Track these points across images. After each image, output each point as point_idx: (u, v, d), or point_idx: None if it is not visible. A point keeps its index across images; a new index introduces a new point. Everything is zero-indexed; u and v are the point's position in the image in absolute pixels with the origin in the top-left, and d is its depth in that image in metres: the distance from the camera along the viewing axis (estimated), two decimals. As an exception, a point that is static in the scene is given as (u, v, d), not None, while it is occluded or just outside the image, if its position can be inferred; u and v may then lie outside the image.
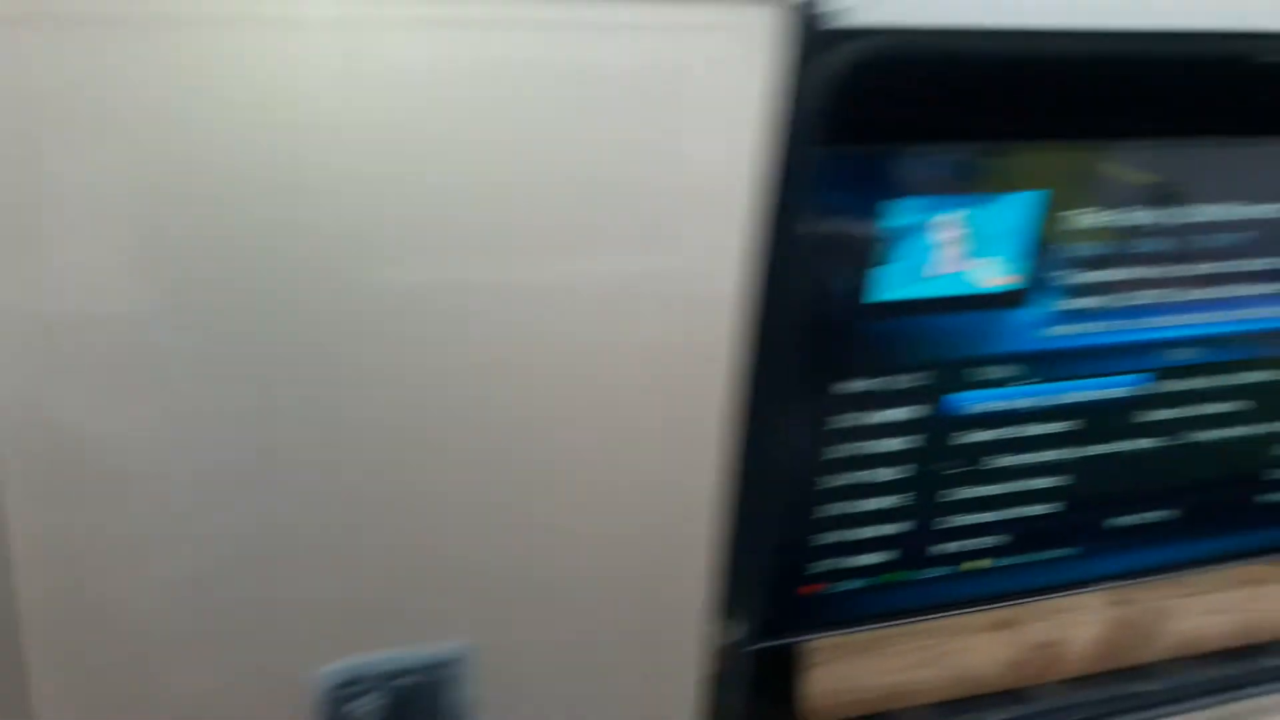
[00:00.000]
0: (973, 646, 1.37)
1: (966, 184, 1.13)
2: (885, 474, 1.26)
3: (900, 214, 1.12)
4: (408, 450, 0.86)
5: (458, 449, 0.87)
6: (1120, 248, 1.24)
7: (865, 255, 1.12)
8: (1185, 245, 1.27)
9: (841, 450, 1.23)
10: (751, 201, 0.81)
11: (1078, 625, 1.42)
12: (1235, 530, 1.51)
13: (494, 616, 0.94)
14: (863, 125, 1.06)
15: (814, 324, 1.15)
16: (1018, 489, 1.34)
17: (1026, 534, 1.38)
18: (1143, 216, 1.23)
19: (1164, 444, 1.39)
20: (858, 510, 1.27)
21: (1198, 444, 1.41)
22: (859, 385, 1.20)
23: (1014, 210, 1.17)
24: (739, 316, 0.85)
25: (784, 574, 1.28)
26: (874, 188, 1.10)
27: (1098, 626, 1.43)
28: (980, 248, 1.17)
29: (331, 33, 0.72)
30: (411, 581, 0.90)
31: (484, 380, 0.84)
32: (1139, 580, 1.46)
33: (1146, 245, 1.25)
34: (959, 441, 1.28)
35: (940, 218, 1.14)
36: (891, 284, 1.15)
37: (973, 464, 1.30)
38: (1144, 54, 0.92)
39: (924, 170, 1.12)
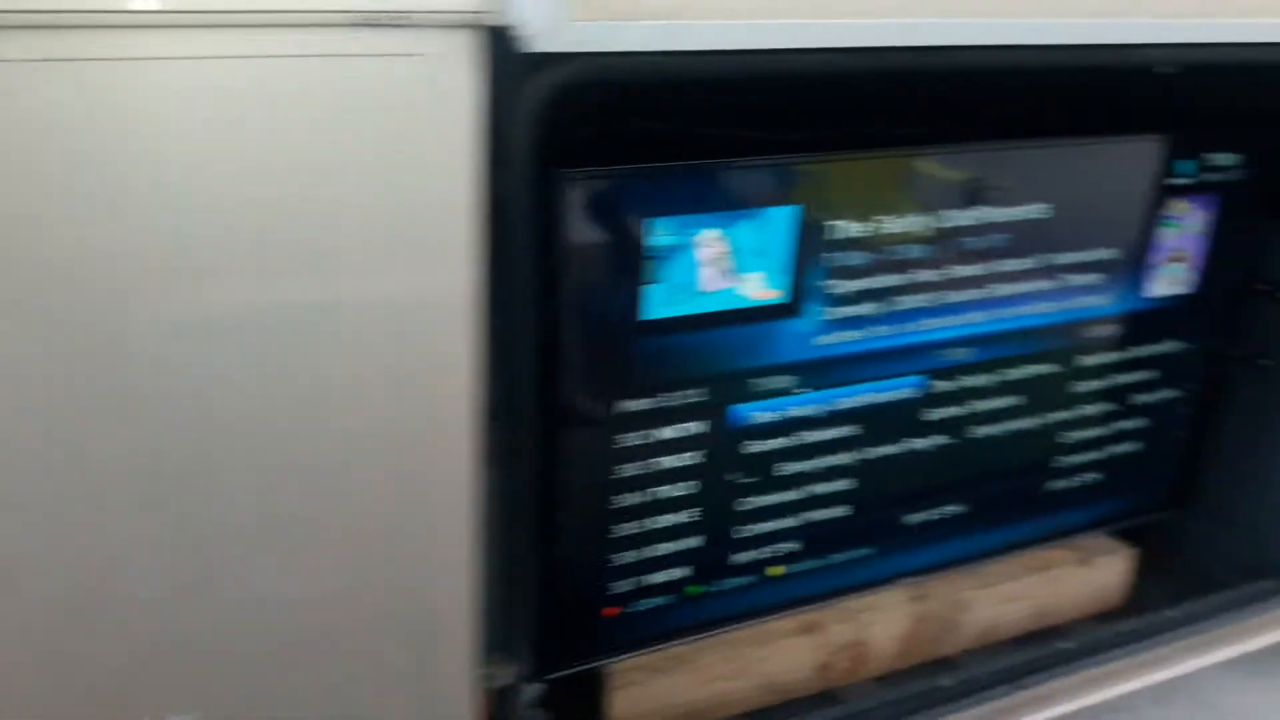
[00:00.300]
0: (780, 653, 1.39)
1: (722, 201, 1.17)
2: (676, 489, 1.27)
3: (661, 233, 1.14)
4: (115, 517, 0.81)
5: (165, 516, 0.83)
6: (883, 255, 1.29)
7: (632, 275, 1.14)
8: (947, 249, 1.34)
9: (630, 469, 1.23)
10: (474, 225, 0.81)
11: (880, 623, 1.46)
12: (1023, 519, 1.59)
13: (230, 689, 0.88)
14: (596, 146, 1.08)
15: (586, 344, 1.16)
16: (810, 494, 1.38)
17: (824, 537, 1.42)
18: (902, 224, 1.29)
19: (947, 442, 1.45)
20: (652, 528, 1.28)
21: (979, 439, 1.48)
22: (641, 403, 1.21)
23: (772, 225, 1.20)
24: (476, 343, 0.84)
25: (582, 598, 1.28)
26: (629, 208, 1.12)
27: (900, 623, 1.48)
28: (745, 262, 1.20)
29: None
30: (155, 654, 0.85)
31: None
32: (936, 574, 1.52)
33: (908, 251, 1.31)
34: (747, 452, 1.31)
35: (702, 235, 1.17)
36: (663, 302, 1.17)
37: (763, 473, 1.33)
38: (866, 69, 0.96)
39: (676, 189, 1.14)
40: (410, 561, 0.87)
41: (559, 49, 0.77)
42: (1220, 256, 1.56)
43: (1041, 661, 1.41)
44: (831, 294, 1.28)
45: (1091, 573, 1.62)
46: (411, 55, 0.73)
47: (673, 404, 1.23)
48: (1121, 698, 1.58)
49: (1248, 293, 1.66)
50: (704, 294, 1.19)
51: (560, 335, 1.13)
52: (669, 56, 0.82)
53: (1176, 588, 1.66)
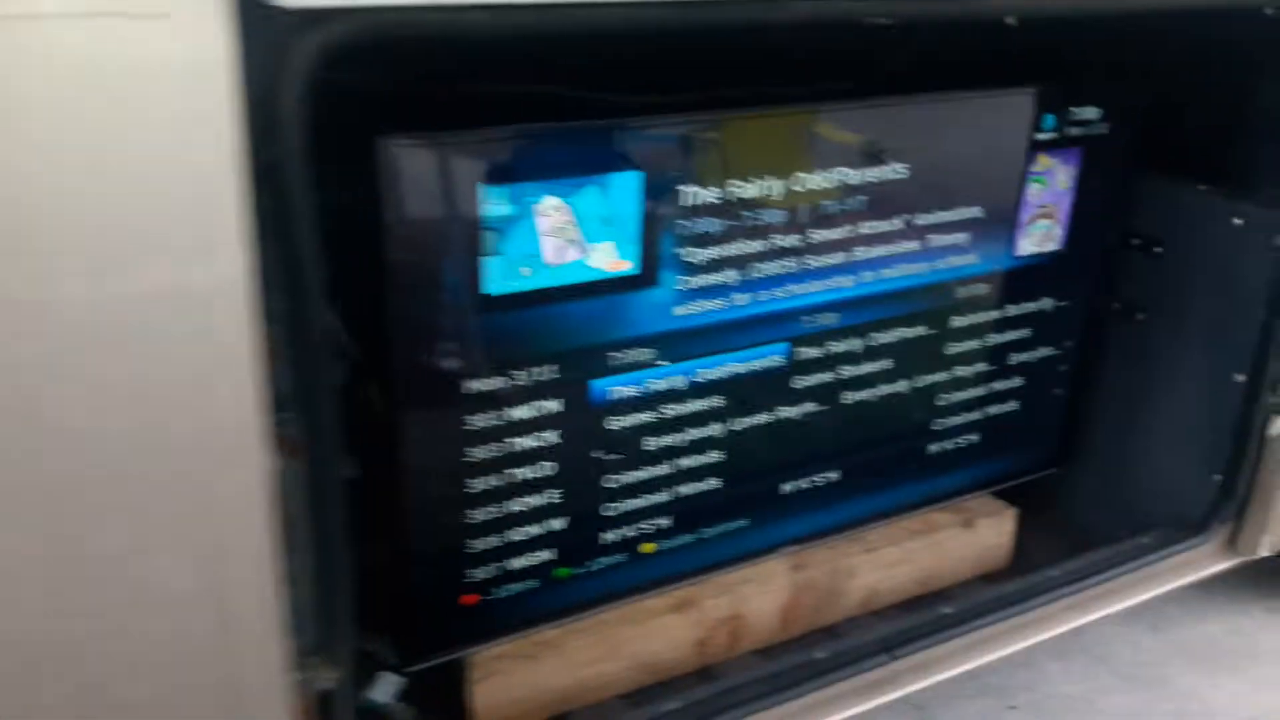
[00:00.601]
0: (655, 632, 1.36)
1: (561, 168, 1.12)
2: (535, 471, 1.23)
3: (496, 202, 1.09)
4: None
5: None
6: (740, 221, 1.26)
7: (468, 247, 1.09)
8: (807, 213, 1.31)
9: (482, 452, 1.18)
10: (243, 203, 0.74)
11: (760, 595, 1.44)
12: (903, 483, 1.58)
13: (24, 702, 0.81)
14: (430, 113, 1.03)
15: (423, 323, 1.11)
16: (679, 468, 1.34)
17: (696, 511, 1.39)
18: (758, 188, 1.25)
19: (820, 409, 1.43)
20: (511, 512, 1.23)
21: (853, 405, 1.45)
22: (490, 383, 1.16)
23: (617, 191, 1.16)
24: (257, 331, 0.77)
25: (437, 587, 1.23)
26: (460, 176, 1.07)
27: (780, 594, 1.46)
28: (593, 232, 1.16)
29: None
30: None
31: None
32: (816, 542, 1.50)
33: (767, 216, 1.27)
34: (610, 428, 1.27)
35: (542, 204, 1.12)
36: (505, 275, 1.12)
37: (628, 449, 1.29)
38: (679, 24, 0.92)
39: (510, 156, 1.09)
40: (204, 565, 0.81)
41: (317, 4, 0.71)
42: (1088, 212, 1.56)
43: (922, 628, 1.40)
44: (687, 263, 1.24)
45: (975, 535, 1.61)
46: (158, 16, 0.66)
47: (525, 382, 1.18)
48: (1021, 653, 1.59)
49: (1120, 248, 1.67)
50: (550, 266, 1.15)
51: (393, 314, 1.08)
52: (446, 12, 0.76)
53: (1061, 545, 1.67)
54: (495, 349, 1.16)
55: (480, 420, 1.17)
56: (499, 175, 1.08)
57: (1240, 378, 1.55)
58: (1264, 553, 1.66)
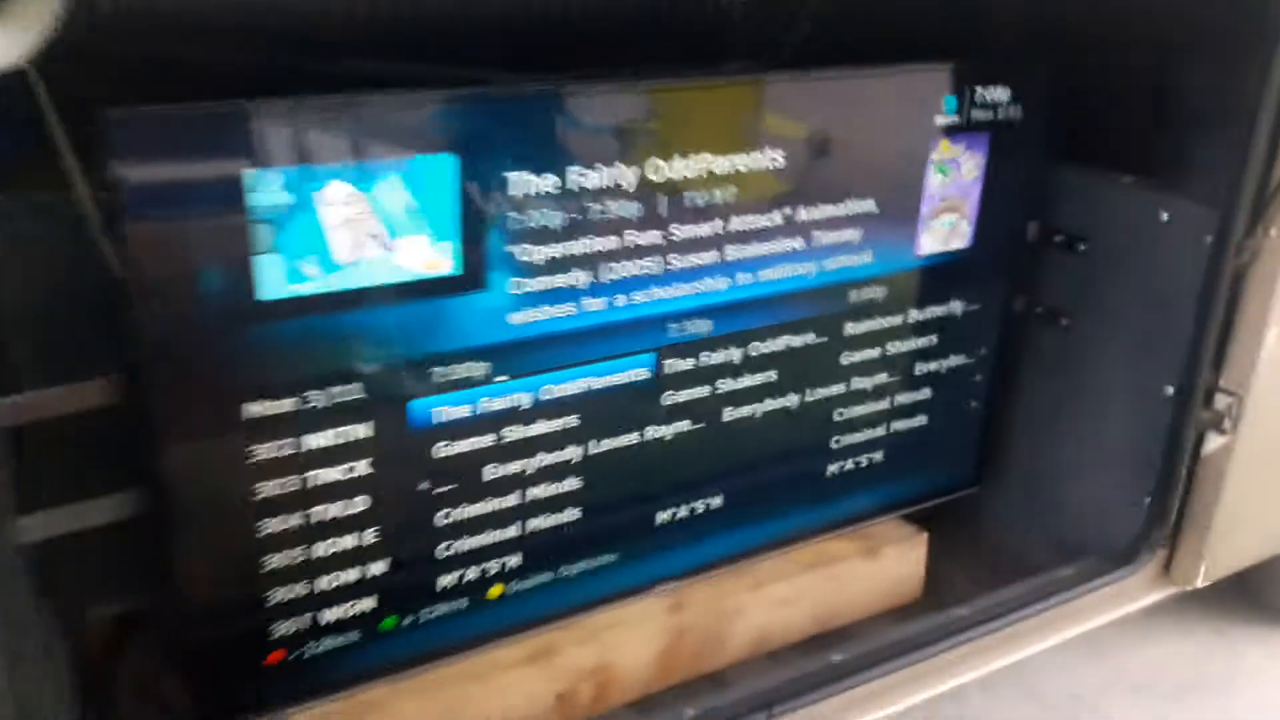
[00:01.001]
0: (505, 687, 1.18)
1: (349, 149, 0.94)
2: (346, 507, 1.05)
3: (266, 189, 0.91)
4: None
5: None
6: (585, 215, 1.09)
7: (232, 244, 0.91)
8: (667, 206, 1.14)
9: (273, 488, 1.00)
10: None
11: (630, 642, 1.27)
12: (798, 509, 1.41)
13: None
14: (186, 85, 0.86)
15: (181, 335, 0.92)
16: (531, 499, 1.17)
17: (555, 547, 1.21)
18: (606, 176, 1.08)
19: (696, 427, 1.26)
20: (318, 556, 1.05)
21: (734, 423, 1.29)
22: (277, 406, 0.98)
23: (427, 178, 0.98)
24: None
25: (230, 645, 1.05)
26: (216, 157, 0.89)
27: (655, 639, 1.28)
28: (398, 226, 0.99)
29: None
30: None
31: None
32: (696, 577, 1.33)
33: (618, 209, 1.10)
34: (438, 456, 1.09)
35: (328, 191, 0.94)
36: (286, 277, 0.94)
37: (464, 480, 1.12)
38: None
39: (280, 133, 0.91)
40: None
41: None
42: (1001, 205, 1.40)
43: (807, 680, 1.23)
44: (523, 263, 1.07)
45: (880, 565, 1.45)
46: None
47: (323, 404, 1.01)
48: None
49: (1042, 245, 1.51)
50: (344, 266, 0.97)
51: (139, 325, 0.90)
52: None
53: (979, 575, 1.51)
54: (279, 366, 0.97)
55: (266, 451, 0.99)
56: (268, 156, 0.90)
57: (1170, 390, 1.40)
58: (1201, 582, 1.51)
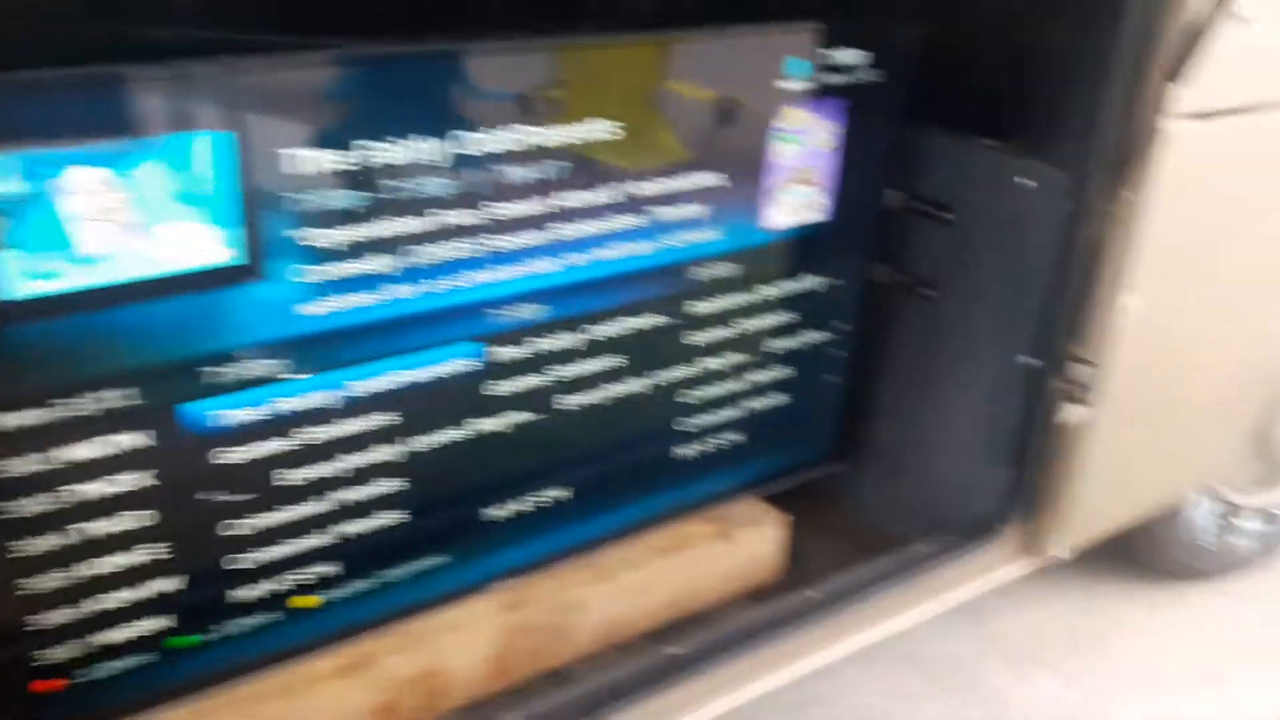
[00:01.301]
0: (317, 702, 1.11)
1: (89, 127, 0.83)
2: (118, 522, 0.95)
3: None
4: None
5: None
6: (382, 193, 0.99)
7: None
8: (479, 182, 1.05)
9: (29, 505, 0.90)
10: None
11: (462, 645, 1.20)
12: (648, 494, 1.34)
13: None
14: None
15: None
16: (343, 503, 1.08)
17: (374, 552, 1.12)
18: (404, 150, 0.98)
19: (531, 418, 1.18)
20: (90, 575, 0.96)
21: (574, 411, 1.21)
22: (24, 416, 0.87)
23: (189, 158, 0.87)
24: None
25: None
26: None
27: (488, 641, 1.22)
28: (159, 213, 0.88)
29: None
30: None
31: None
32: (537, 572, 1.26)
33: (422, 186, 1.01)
34: (226, 463, 0.99)
35: (69, 177, 0.83)
36: (25, 274, 0.83)
37: (259, 486, 1.02)
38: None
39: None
40: None
41: None
42: (859, 175, 1.33)
43: (645, 676, 1.18)
44: (312, 249, 0.97)
45: (736, 548, 1.40)
46: None
47: (85, 412, 0.90)
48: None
49: (906, 215, 1.45)
50: (96, 259, 0.86)
51: None
52: None
53: (846, 551, 1.47)
54: (29, 372, 0.87)
55: (17, 465, 0.88)
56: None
57: (1028, 360, 1.36)
58: (1065, 554, 1.49)
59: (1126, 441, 1.45)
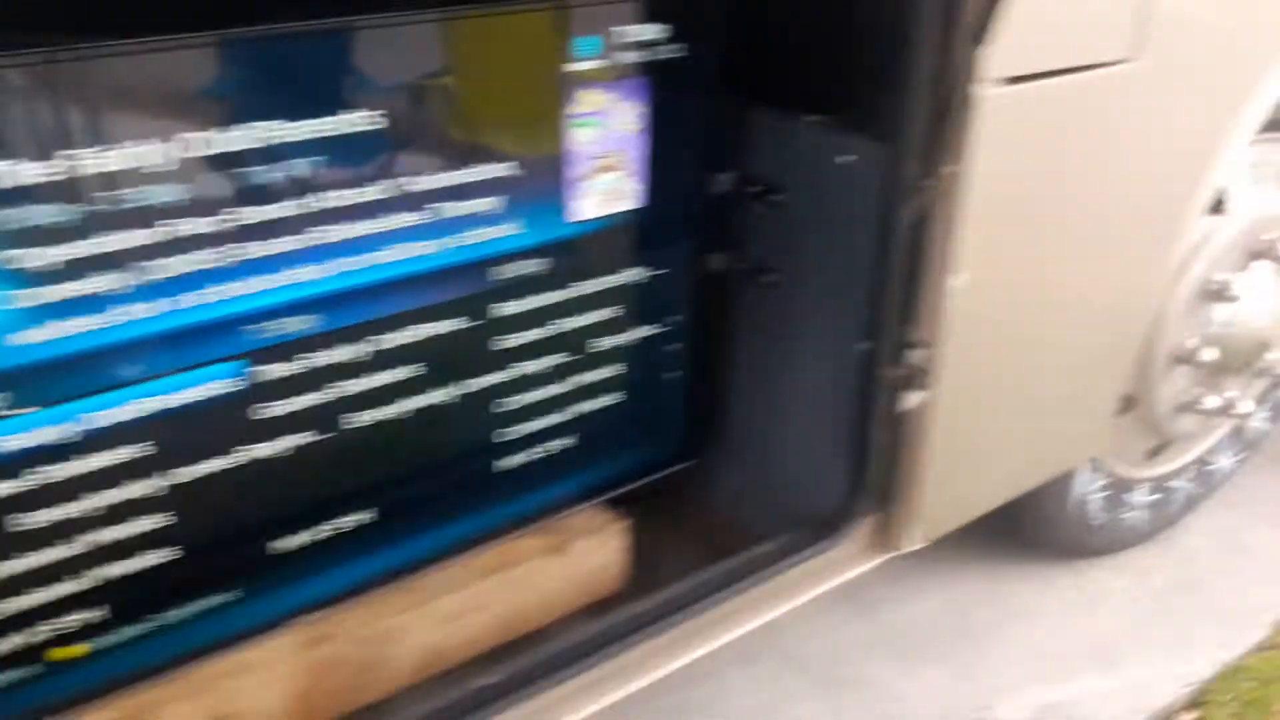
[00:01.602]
0: (86, 763, 1.02)
1: None
2: None
3: None
4: None
5: None
6: (99, 204, 0.89)
7: None
8: (218, 185, 0.96)
9: None
10: None
11: (255, 687, 1.11)
12: (469, 511, 1.26)
13: None
14: None
15: None
16: (96, 544, 0.99)
17: (142, 595, 1.03)
18: (115, 156, 0.89)
19: (314, 440, 1.09)
20: None
21: (367, 428, 1.12)
22: None
23: None
24: None
25: None
26: None
27: (289, 680, 1.13)
28: None
29: None
30: None
31: None
32: (341, 603, 1.18)
33: (146, 193, 0.91)
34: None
35: None
36: None
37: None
38: None
39: None
40: None
41: None
42: (672, 158, 1.26)
43: (472, 702, 1.10)
44: (18, 271, 0.87)
45: (571, 560, 1.32)
46: None
47: None
48: (705, 662, 1.32)
49: (735, 197, 1.38)
50: None
51: None
52: None
53: (696, 555, 1.39)
54: None
55: None
56: None
57: (863, 346, 1.30)
58: (918, 544, 1.43)
59: (974, 424, 1.39)
